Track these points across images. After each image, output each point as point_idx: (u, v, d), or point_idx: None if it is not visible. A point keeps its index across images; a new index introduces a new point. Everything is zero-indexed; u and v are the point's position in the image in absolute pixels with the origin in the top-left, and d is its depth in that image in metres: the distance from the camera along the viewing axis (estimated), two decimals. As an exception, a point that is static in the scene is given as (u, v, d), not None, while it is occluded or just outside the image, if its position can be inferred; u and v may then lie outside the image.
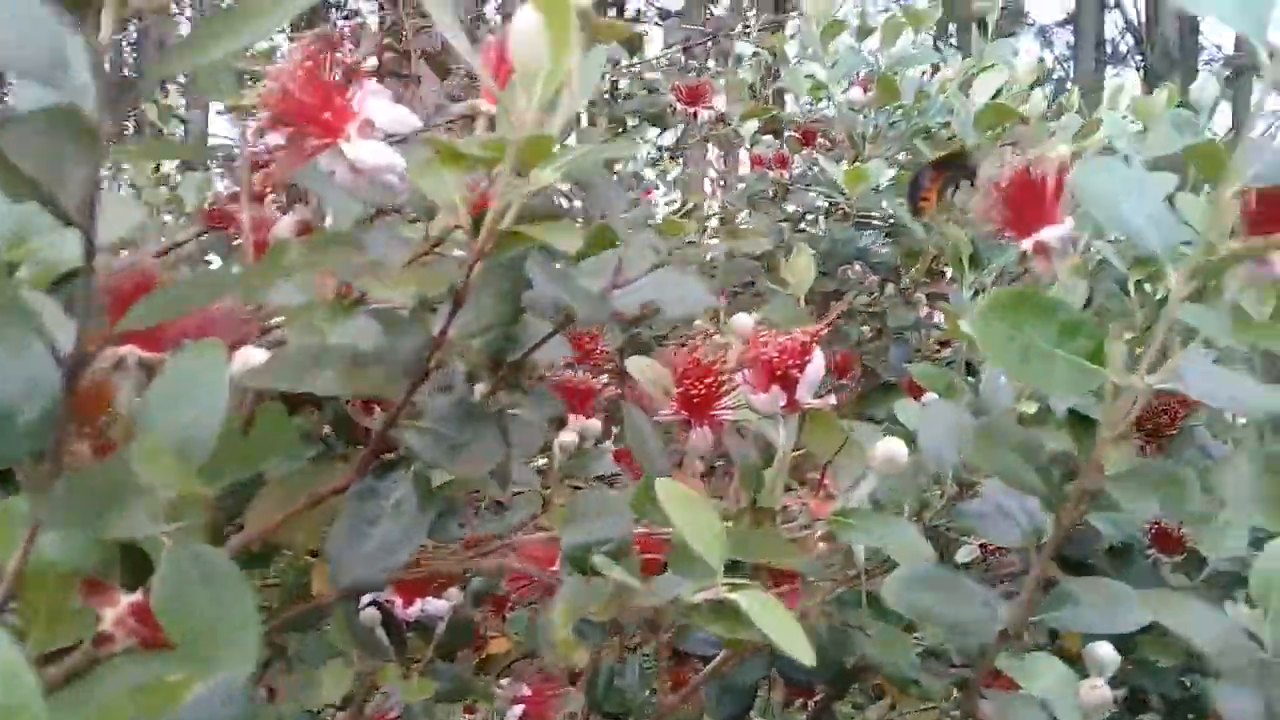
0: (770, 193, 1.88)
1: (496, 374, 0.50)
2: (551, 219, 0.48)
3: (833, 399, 0.66)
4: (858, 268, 1.63)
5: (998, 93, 1.19)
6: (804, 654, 0.49)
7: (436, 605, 0.77)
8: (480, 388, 0.55)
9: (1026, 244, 0.57)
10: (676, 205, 2.00)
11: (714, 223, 1.83)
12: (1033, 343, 0.55)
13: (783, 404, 0.65)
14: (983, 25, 1.71)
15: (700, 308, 0.55)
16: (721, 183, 2.14)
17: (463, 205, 0.44)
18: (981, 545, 1.04)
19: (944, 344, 1.57)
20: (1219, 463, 0.54)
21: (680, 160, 1.87)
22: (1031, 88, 1.59)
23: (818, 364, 0.65)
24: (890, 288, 1.61)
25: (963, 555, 1.07)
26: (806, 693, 1.30)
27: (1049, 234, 0.56)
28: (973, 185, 0.66)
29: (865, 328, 1.61)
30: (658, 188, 1.98)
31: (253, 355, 0.47)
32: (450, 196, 0.44)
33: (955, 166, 0.99)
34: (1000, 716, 0.67)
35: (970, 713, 0.69)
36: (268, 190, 0.63)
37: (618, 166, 1.75)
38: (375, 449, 0.52)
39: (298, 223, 0.62)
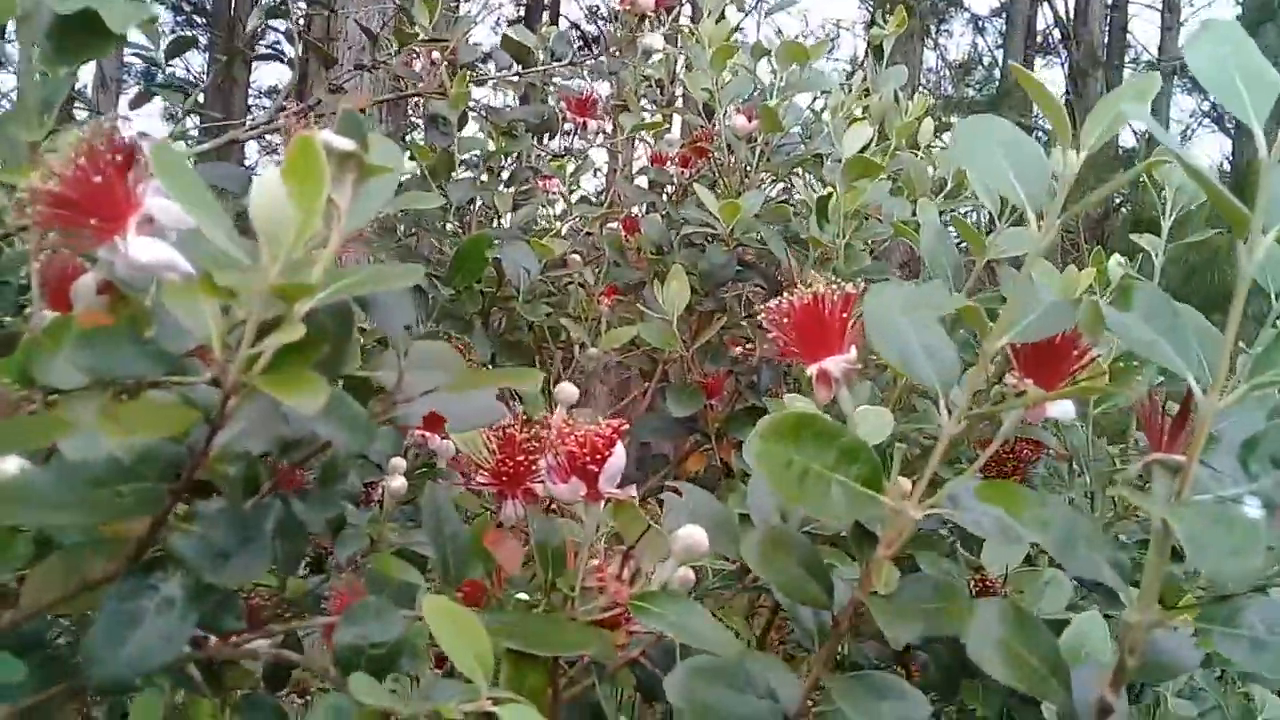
0: (669, 193, 1.89)
1: (253, 494, 0.50)
2: (334, 339, 0.49)
3: (633, 490, 0.67)
4: (740, 288, 1.65)
5: (866, 146, 1.20)
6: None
7: (255, 643, 0.77)
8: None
9: (811, 370, 0.58)
10: (576, 199, 2.00)
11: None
12: (810, 467, 0.56)
13: (583, 494, 0.66)
14: (879, 51, 1.73)
15: (488, 419, 0.55)
16: (619, 175, 2.14)
17: (218, 336, 0.44)
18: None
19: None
20: (974, 607, 0.56)
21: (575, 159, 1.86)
22: (921, 119, 1.61)
23: (618, 458, 0.66)
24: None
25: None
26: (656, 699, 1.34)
27: (831, 363, 0.57)
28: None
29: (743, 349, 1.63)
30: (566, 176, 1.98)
31: (3, 468, 0.47)
32: (205, 326, 0.44)
33: None
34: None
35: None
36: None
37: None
38: (144, 545, 0.52)
39: (100, 281, 0.61)
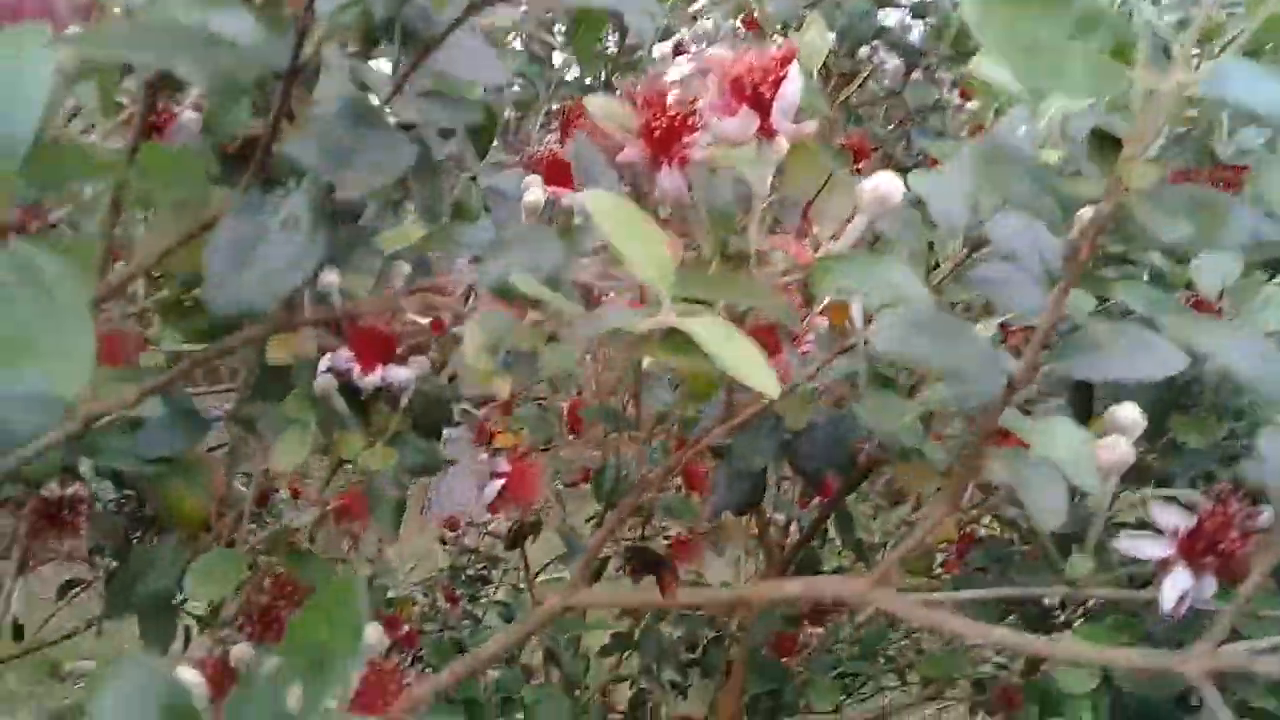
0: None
1: (369, 48, 0.41)
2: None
3: (814, 124, 0.57)
4: (880, 50, 1.51)
5: None
6: (769, 386, 0.41)
7: (399, 373, 0.71)
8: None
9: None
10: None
11: None
12: (1042, 35, 0.46)
13: (756, 128, 0.56)
14: None
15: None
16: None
17: None
18: (1001, 325, 0.95)
19: (974, 130, 1.46)
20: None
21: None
22: None
23: (795, 82, 0.55)
24: (915, 74, 1.50)
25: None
26: (821, 488, 1.26)
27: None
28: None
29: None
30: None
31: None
32: None
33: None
34: (1011, 476, 0.59)
35: (973, 476, 0.62)
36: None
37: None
38: (261, 162, 0.45)
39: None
